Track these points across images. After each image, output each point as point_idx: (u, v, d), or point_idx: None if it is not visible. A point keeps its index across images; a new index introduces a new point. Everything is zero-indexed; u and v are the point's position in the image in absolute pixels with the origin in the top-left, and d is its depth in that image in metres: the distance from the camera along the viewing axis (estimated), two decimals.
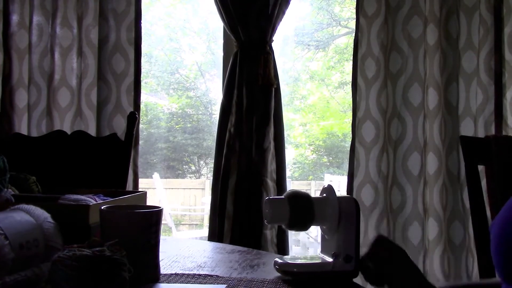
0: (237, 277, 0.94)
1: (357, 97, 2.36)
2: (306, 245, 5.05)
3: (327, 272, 0.93)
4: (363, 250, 0.96)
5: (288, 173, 2.59)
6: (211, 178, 2.44)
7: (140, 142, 2.49)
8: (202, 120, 7.94)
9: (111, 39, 2.43)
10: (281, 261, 0.96)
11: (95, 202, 1.05)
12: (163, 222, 0.96)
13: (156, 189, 5.78)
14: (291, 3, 2.36)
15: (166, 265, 1.02)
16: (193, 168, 8.25)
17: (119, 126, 2.40)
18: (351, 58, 2.41)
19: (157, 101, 7.93)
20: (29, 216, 0.82)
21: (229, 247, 1.25)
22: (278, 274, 0.96)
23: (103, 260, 0.71)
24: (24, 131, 2.40)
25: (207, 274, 0.95)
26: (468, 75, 2.33)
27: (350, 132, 2.39)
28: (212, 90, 7.81)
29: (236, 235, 2.29)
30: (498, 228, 0.69)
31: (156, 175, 6.01)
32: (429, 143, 2.32)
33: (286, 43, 7.05)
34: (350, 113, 2.46)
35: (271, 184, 2.35)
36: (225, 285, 0.88)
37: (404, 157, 2.35)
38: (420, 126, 2.34)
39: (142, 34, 2.46)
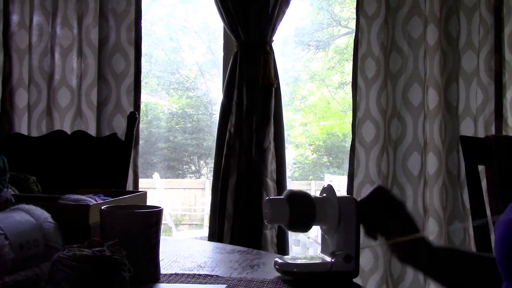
0: (237, 277, 0.94)
1: (357, 97, 2.36)
2: (306, 245, 5.05)
3: (327, 272, 0.93)
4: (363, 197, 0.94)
5: (288, 173, 2.59)
6: (211, 178, 2.44)
7: (140, 142, 2.49)
8: (202, 120, 7.95)
9: (111, 39, 2.43)
10: (281, 261, 0.96)
11: (95, 202, 1.05)
12: (163, 222, 0.96)
13: (156, 189, 5.78)
14: (291, 3, 2.36)
15: (166, 265, 1.02)
16: (193, 168, 8.25)
17: (119, 126, 2.40)
18: (351, 58, 2.41)
19: (157, 101, 7.93)
20: (29, 216, 0.82)
21: (229, 247, 1.24)
22: (278, 274, 0.96)
23: (103, 260, 0.71)
24: (24, 131, 2.40)
25: (207, 274, 0.95)
26: (468, 75, 2.33)
27: (350, 132, 2.39)
28: (212, 90, 7.81)
29: (236, 235, 2.29)
30: (503, 228, 0.69)
31: (156, 175, 6.01)
32: (429, 143, 2.32)
33: (286, 43, 7.05)
34: (350, 113, 2.46)
35: (271, 184, 2.34)
36: (225, 285, 0.88)
37: (404, 157, 2.34)
38: (420, 126, 2.34)
39: (142, 34, 2.46)
